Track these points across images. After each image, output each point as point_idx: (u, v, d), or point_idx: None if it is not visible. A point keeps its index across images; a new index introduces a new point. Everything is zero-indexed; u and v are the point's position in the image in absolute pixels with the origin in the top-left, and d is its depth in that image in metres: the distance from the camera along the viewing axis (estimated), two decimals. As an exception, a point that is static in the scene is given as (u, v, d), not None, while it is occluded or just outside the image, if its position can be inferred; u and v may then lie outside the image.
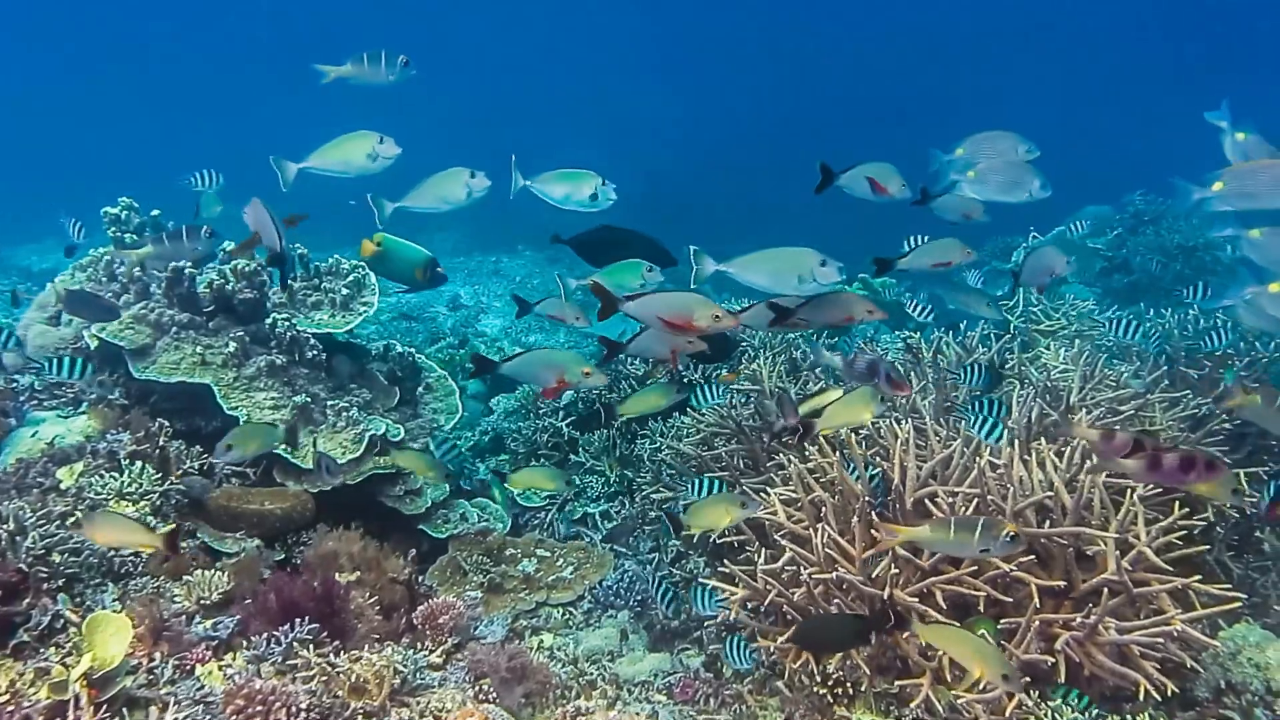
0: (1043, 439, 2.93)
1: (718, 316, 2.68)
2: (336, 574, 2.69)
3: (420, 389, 3.96)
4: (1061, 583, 2.44)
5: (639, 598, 3.30)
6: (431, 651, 2.56)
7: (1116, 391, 3.26)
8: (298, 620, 2.35)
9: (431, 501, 3.55)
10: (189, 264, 3.40)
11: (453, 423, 3.89)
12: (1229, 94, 2.99)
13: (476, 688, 2.42)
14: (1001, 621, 2.45)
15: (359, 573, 2.76)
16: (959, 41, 21.32)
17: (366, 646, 2.39)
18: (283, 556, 3.12)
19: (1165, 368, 3.56)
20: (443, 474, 3.26)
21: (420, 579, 3.25)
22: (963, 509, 2.51)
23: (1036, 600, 2.42)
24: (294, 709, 2.07)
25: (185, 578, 2.57)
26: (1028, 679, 2.32)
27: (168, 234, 3.20)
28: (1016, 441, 2.75)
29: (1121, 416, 3.12)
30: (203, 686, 2.21)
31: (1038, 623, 2.40)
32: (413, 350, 3.93)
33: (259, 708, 2.05)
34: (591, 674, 2.81)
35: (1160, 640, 2.30)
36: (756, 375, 3.63)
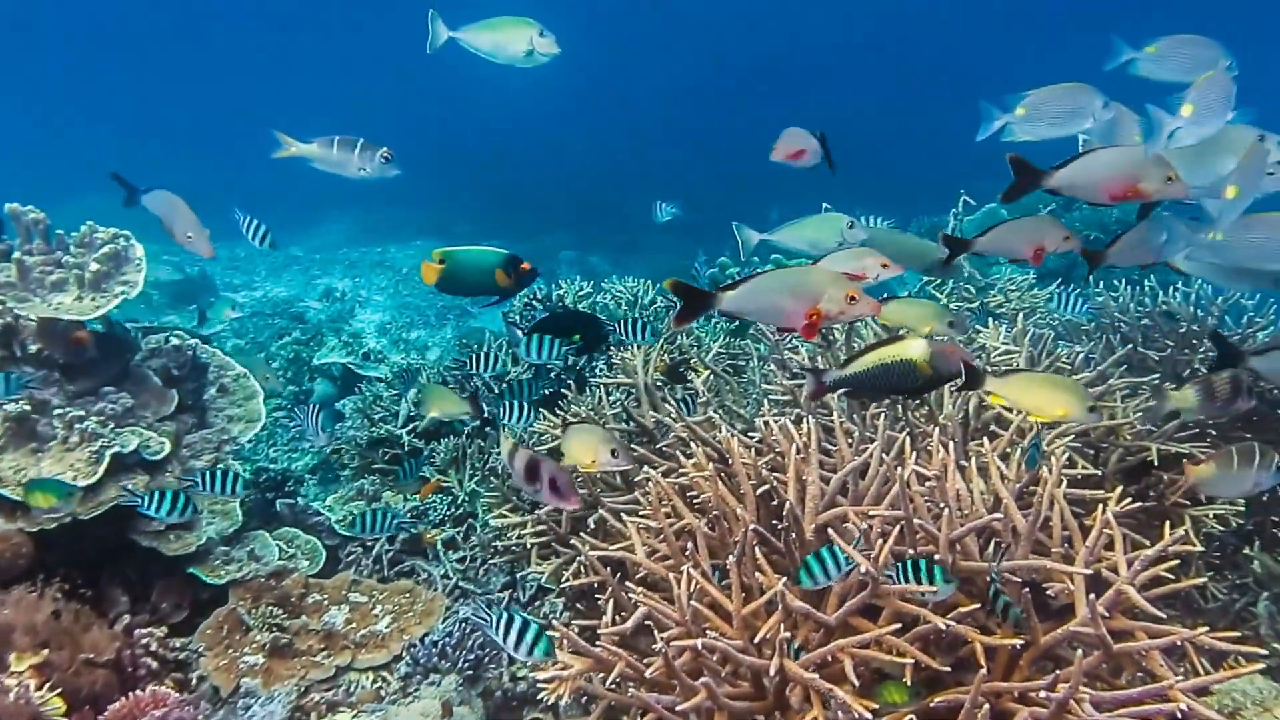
0: (984, 438, 2.25)
1: (853, 298, 1.94)
2: (12, 657, 1.89)
3: (213, 391, 3.14)
4: (1017, 640, 1.75)
5: (473, 656, 2.54)
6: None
7: (1071, 378, 2.60)
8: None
9: (208, 538, 2.74)
10: None
11: (252, 433, 3.09)
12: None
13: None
14: (936, 698, 1.74)
15: (47, 651, 1.95)
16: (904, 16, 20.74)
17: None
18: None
19: (1122, 349, 2.93)
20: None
21: (176, 645, 2.46)
22: (879, 539, 1.80)
23: (984, 665, 1.73)
24: None
25: None
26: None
27: None
28: (951, 444, 2.06)
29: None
30: None
31: (985, 697, 1.70)
32: (196, 342, 3.10)
33: None
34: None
35: (1160, 727, 1.62)
36: (630, 367, 2.89)
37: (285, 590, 2.73)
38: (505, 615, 1.66)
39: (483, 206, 10.87)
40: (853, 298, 1.91)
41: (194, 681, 2.48)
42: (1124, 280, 3.32)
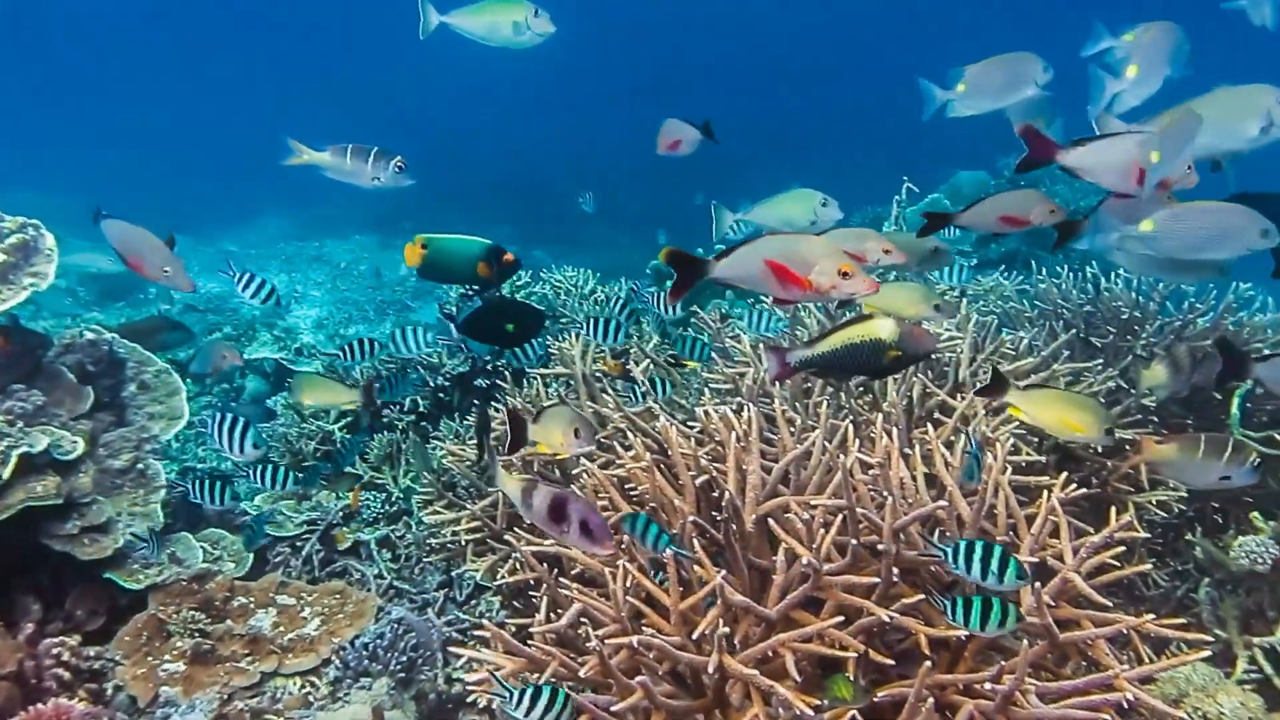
0: (929, 425, 2.21)
1: (846, 272, 1.81)
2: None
3: (132, 388, 2.99)
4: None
5: (405, 658, 2.44)
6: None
7: (1015, 363, 2.57)
8: None
9: (125, 541, 2.60)
10: None
11: (174, 430, 2.95)
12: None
13: None
14: (880, 692, 1.69)
15: (-62, 663, 1.82)
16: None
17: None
18: None
19: (1064, 335, 2.91)
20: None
21: (91, 654, 2.33)
22: (820, 530, 1.74)
23: (927, 654, 1.68)
24: None
25: None
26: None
27: None
28: (895, 431, 2.01)
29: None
30: None
31: (930, 690, 1.66)
32: (112, 337, 2.95)
33: None
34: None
35: (1107, 718, 1.58)
36: (567, 357, 2.81)
37: (209, 594, 2.60)
38: (530, 689, 1.53)
39: (424, 201, 10.67)
40: (846, 273, 1.83)
41: (109, 691, 2.35)
42: (1065, 266, 3.31)
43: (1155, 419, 2.78)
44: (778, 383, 2.33)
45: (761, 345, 2.40)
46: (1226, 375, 2.23)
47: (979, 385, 2.28)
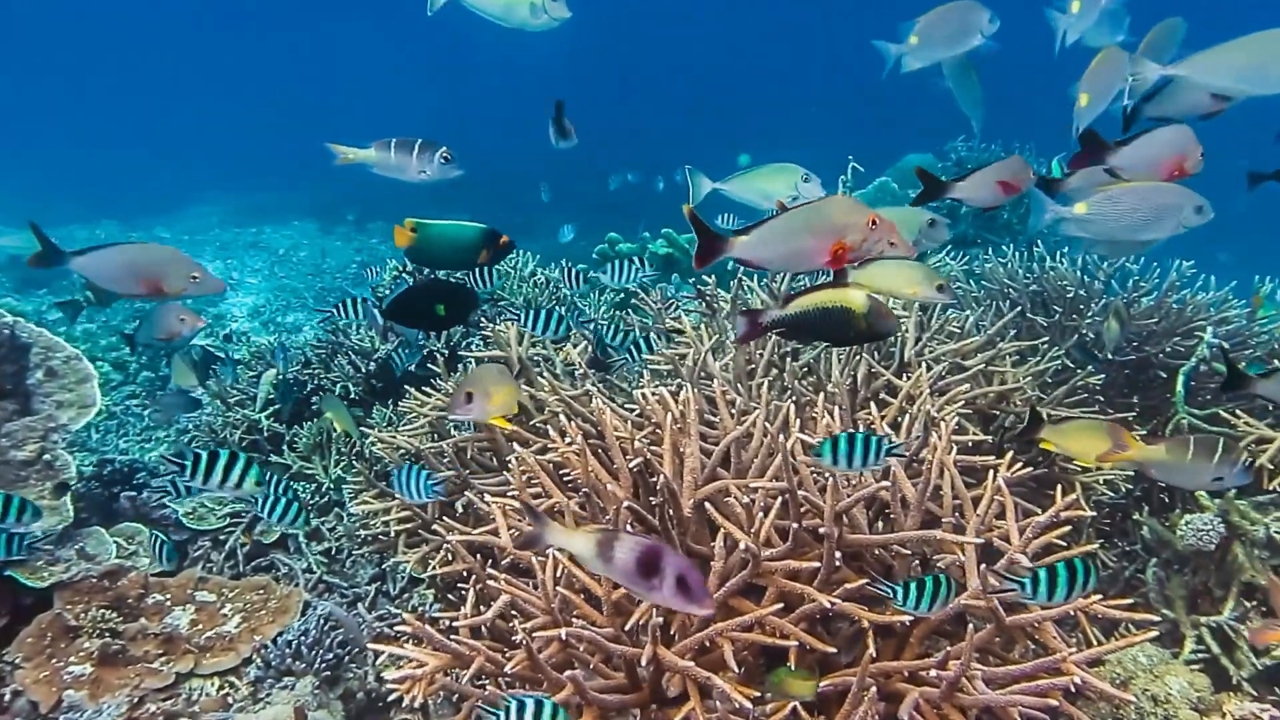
0: (872, 405, 2.14)
1: (874, 221, 1.76)
2: None
3: (39, 375, 2.82)
4: (906, 616, 1.63)
5: (331, 655, 2.32)
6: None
7: (960, 342, 2.52)
8: None
9: (33, 536, 2.45)
10: None
11: (85, 420, 2.79)
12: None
13: None
14: (824, 680, 1.61)
15: None
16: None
17: None
18: None
19: (1009, 314, 2.87)
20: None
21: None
22: (760, 514, 1.66)
23: (871, 645, 1.61)
24: None
25: None
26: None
27: None
28: (838, 410, 1.93)
29: (968, 373, 2.38)
30: None
31: (874, 678, 1.58)
32: (14, 320, 2.78)
33: None
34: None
35: (1055, 703, 1.52)
36: (503, 340, 2.70)
37: (120, 591, 2.46)
38: (517, 702, 1.41)
39: (367, 189, 10.42)
40: (874, 221, 1.76)
41: (8, 697, 2.20)
42: (1011, 246, 3.27)
43: (1101, 398, 2.76)
44: (743, 343, 2.29)
45: (738, 308, 2.35)
46: (1229, 387, 2.23)
47: (1017, 430, 2.29)
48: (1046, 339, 2.82)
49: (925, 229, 2.29)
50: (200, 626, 2.44)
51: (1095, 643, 1.77)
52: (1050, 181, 2.26)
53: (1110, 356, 2.84)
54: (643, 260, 4.47)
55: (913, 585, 1.54)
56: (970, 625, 1.57)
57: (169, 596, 2.52)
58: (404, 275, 3.32)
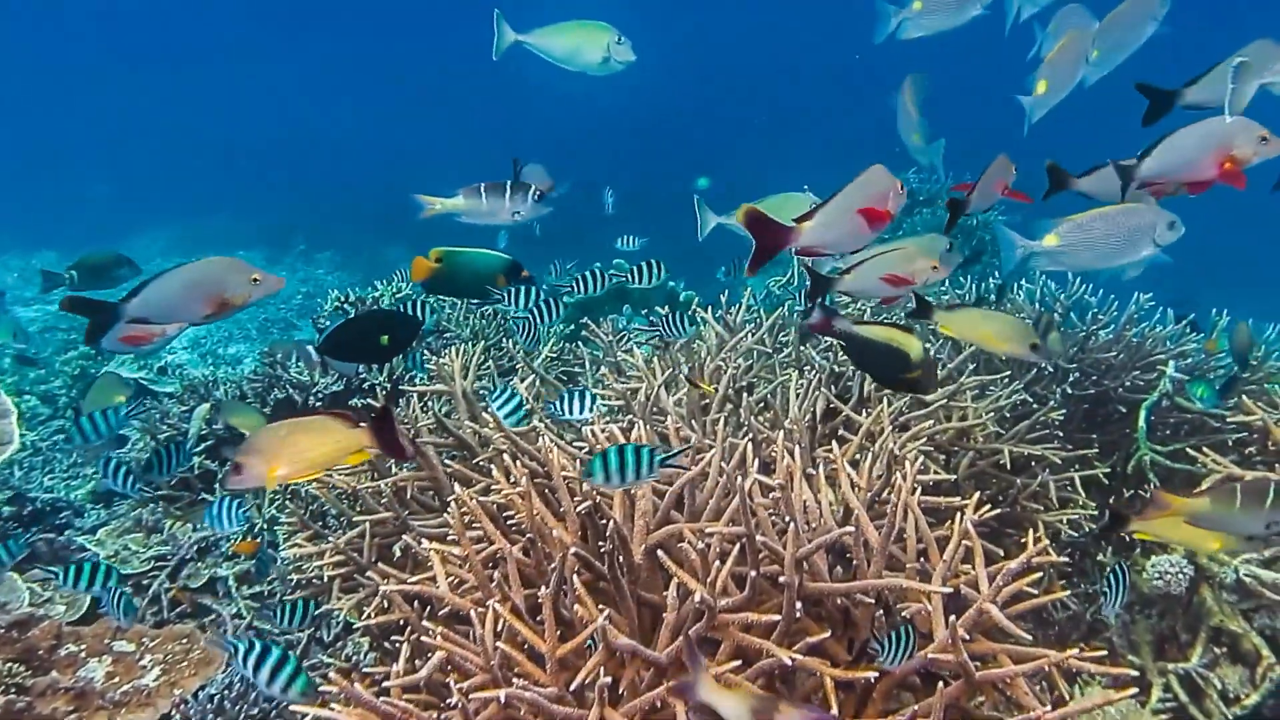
0: (833, 443, 2.05)
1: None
2: None
3: (-49, 408, 2.65)
4: (871, 673, 1.53)
5: (257, 710, 2.17)
6: None
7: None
8: None
9: (-70, 582, 2.27)
10: None
11: (2, 457, 2.62)
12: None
13: None
14: (782, 742, 1.50)
15: None
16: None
17: None
18: None
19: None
20: None
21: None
22: (715, 561, 1.55)
23: (833, 701, 1.51)
24: None
25: None
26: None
27: None
28: (797, 449, 1.84)
29: (929, 408, 2.30)
30: None
31: (837, 739, 1.48)
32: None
33: None
34: None
35: (1031, 767, 1.42)
36: (446, 373, 2.58)
37: (31, 642, 2.28)
38: (257, 644, 1.30)
39: (317, 216, 10.24)
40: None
41: (-103, 763, 2.02)
42: (969, 277, 3.23)
43: (1060, 434, 2.70)
44: (812, 333, 2.36)
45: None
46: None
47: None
48: (1008, 373, 2.76)
49: (944, 255, 2.23)
50: (117, 679, 2.28)
51: (1066, 695, 1.69)
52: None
53: (1062, 364, 2.82)
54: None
55: (889, 640, 1.45)
56: (940, 684, 1.47)
57: (84, 647, 2.35)
58: (344, 306, 3.19)
